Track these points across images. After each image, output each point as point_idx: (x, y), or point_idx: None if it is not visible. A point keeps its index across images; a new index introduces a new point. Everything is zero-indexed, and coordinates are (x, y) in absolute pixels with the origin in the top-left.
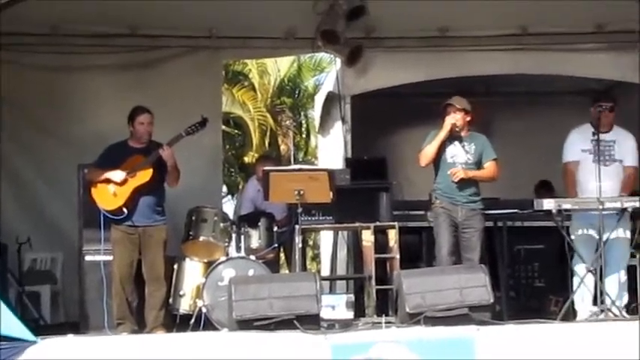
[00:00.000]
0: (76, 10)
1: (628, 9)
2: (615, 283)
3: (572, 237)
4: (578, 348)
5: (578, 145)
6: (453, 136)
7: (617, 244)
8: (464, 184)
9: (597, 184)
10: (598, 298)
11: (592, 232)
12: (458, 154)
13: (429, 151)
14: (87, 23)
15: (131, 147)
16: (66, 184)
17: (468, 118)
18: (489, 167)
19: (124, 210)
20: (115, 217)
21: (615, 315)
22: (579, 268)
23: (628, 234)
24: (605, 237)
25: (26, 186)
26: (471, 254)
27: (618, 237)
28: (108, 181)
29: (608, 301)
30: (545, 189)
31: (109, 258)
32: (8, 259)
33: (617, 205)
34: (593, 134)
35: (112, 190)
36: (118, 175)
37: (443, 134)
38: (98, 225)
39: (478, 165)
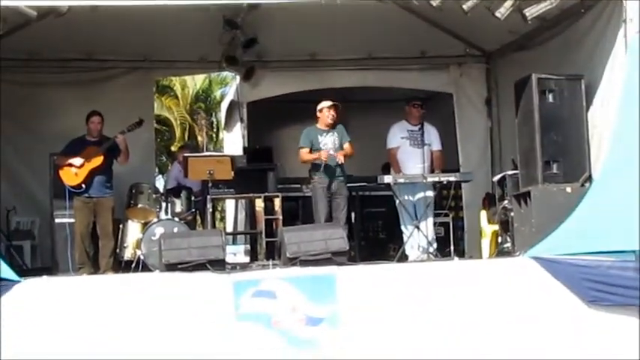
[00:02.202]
0: (46, 41)
1: (442, 40)
2: (431, 233)
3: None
4: (409, 281)
5: (397, 134)
6: (326, 130)
7: (430, 206)
8: (338, 166)
9: (413, 163)
10: (420, 246)
11: (411, 199)
12: (328, 143)
13: (304, 159)
14: (55, 51)
15: (87, 140)
16: (41, 167)
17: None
18: (347, 147)
19: (83, 185)
20: (76, 191)
21: (434, 256)
22: (406, 226)
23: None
24: (421, 202)
25: (11, 169)
26: (339, 214)
27: (428, 202)
28: (70, 165)
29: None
30: (387, 169)
31: (72, 220)
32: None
33: (436, 179)
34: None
35: (73, 172)
36: (77, 160)
37: (313, 157)
38: (64, 196)
39: (340, 147)
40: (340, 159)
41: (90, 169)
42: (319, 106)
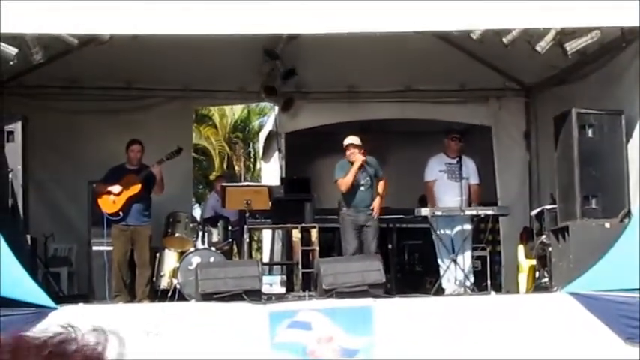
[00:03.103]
0: (86, 69)
1: (481, 73)
2: (468, 267)
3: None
4: (445, 315)
5: (435, 167)
6: (361, 167)
7: (467, 240)
8: (368, 199)
9: (450, 197)
10: (457, 279)
11: (448, 232)
12: (361, 179)
13: (348, 182)
14: (94, 79)
15: (126, 168)
16: (79, 194)
17: (363, 151)
18: (382, 185)
19: (121, 214)
20: (114, 219)
21: (471, 290)
22: (442, 259)
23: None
24: (458, 235)
25: (50, 196)
26: (370, 245)
27: (465, 235)
28: (109, 192)
29: (466, 282)
30: (424, 201)
31: (110, 248)
32: (37, 249)
33: (474, 212)
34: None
35: (112, 199)
36: (116, 188)
37: (356, 167)
38: (102, 224)
39: (372, 180)
40: (376, 212)
41: (128, 197)
42: (350, 142)
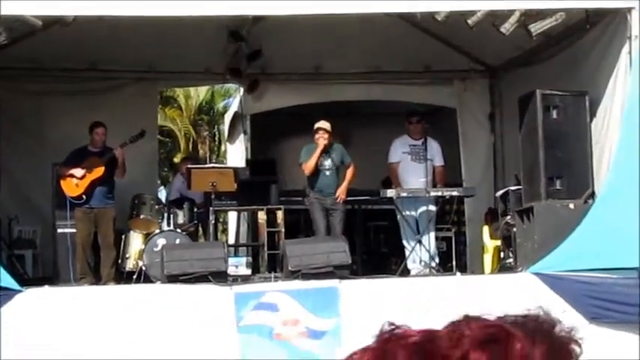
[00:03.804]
0: (51, 51)
1: (446, 55)
2: (433, 248)
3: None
4: (411, 295)
5: (399, 149)
6: (323, 151)
7: (432, 221)
8: (333, 183)
9: (414, 178)
10: (422, 260)
11: (413, 213)
12: (325, 163)
13: (310, 165)
14: (59, 60)
15: (89, 150)
16: (43, 176)
17: (329, 135)
18: (350, 171)
19: (84, 197)
20: (77, 202)
21: (436, 271)
22: (408, 240)
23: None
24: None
25: (14, 178)
26: (336, 228)
27: (430, 216)
28: (72, 175)
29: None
30: (387, 183)
31: (74, 231)
32: (1, 231)
33: (439, 193)
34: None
35: (74, 182)
36: (78, 171)
37: (319, 152)
38: (66, 207)
39: (337, 166)
40: (341, 198)
41: (91, 180)
42: (318, 126)
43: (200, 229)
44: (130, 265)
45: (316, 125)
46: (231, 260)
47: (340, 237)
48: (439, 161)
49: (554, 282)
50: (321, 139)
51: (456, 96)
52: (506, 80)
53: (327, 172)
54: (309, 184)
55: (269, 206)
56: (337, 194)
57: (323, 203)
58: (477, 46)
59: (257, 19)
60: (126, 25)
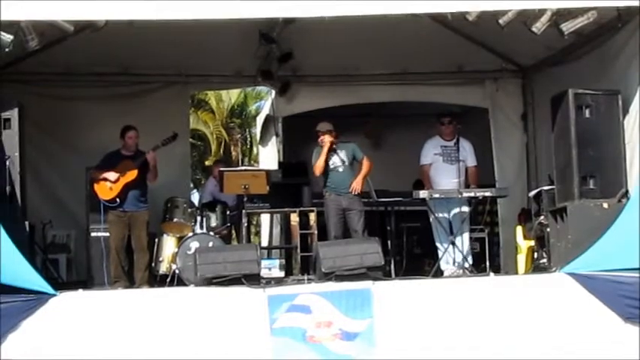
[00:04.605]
0: (83, 56)
1: (478, 55)
2: (466, 249)
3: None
4: (444, 297)
5: (430, 151)
6: (330, 149)
7: (465, 222)
8: (347, 180)
9: (447, 179)
10: (455, 261)
11: (446, 215)
12: (335, 161)
13: (319, 164)
14: (91, 65)
15: (122, 154)
16: (77, 180)
17: (334, 135)
18: (365, 164)
19: (117, 200)
20: (111, 205)
21: (470, 272)
22: (441, 242)
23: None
24: (456, 217)
25: (47, 183)
26: (357, 227)
27: (463, 217)
28: (105, 179)
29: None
30: (418, 185)
31: (107, 234)
32: (35, 235)
33: (472, 194)
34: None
35: (108, 186)
36: (112, 175)
37: (324, 151)
38: (100, 210)
39: (351, 164)
40: (355, 189)
41: (124, 183)
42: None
43: (233, 231)
44: (163, 268)
45: (316, 128)
46: (264, 262)
47: (373, 238)
48: (472, 162)
49: (589, 282)
50: (326, 139)
51: (488, 96)
52: (538, 80)
53: (340, 169)
54: (324, 183)
55: (301, 208)
56: (352, 187)
57: (339, 204)
58: (508, 45)
59: (288, 22)
60: (156, 29)
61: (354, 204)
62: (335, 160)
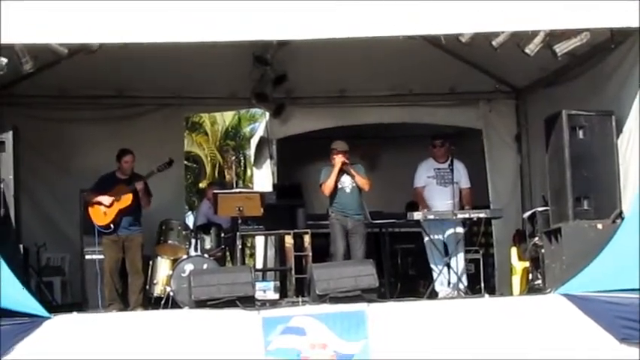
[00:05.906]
0: (76, 78)
1: (471, 76)
2: (461, 270)
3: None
4: (439, 318)
5: (424, 174)
6: (341, 169)
7: (460, 243)
8: (354, 202)
9: (440, 202)
10: (450, 282)
11: (440, 237)
12: (344, 181)
13: (329, 185)
14: (85, 87)
15: (117, 178)
16: (70, 203)
17: (347, 156)
18: (363, 180)
19: (111, 226)
20: (105, 231)
21: (464, 293)
22: (435, 263)
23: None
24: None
25: (41, 205)
26: (357, 252)
27: (458, 238)
28: (100, 203)
29: (460, 285)
30: (412, 207)
31: (102, 257)
32: (30, 258)
33: (466, 215)
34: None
35: (102, 211)
36: (107, 199)
37: (336, 171)
38: (94, 233)
39: (356, 185)
40: (359, 182)
41: (119, 209)
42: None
43: (227, 254)
44: (157, 290)
45: (332, 146)
46: (259, 285)
47: (367, 260)
48: (465, 183)
49: (584, 303)
50: (338, 159)
51: (481, 117)
52: (531, 101)
53: (347, 190)
54: (330, 203)
55: (296, 230)
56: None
57: (344, 225)
58: (502, 67)
59: (282, 44)
60: (150, 52)
61: (358, 228)
62: (344, 180)
